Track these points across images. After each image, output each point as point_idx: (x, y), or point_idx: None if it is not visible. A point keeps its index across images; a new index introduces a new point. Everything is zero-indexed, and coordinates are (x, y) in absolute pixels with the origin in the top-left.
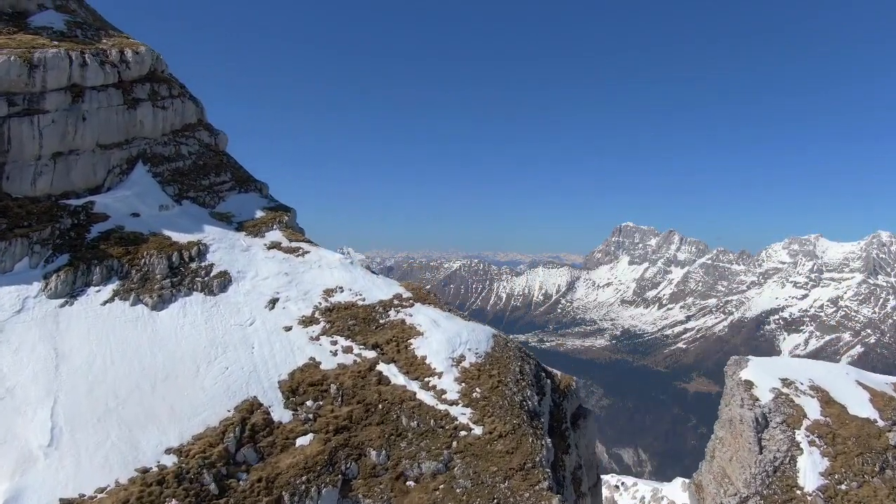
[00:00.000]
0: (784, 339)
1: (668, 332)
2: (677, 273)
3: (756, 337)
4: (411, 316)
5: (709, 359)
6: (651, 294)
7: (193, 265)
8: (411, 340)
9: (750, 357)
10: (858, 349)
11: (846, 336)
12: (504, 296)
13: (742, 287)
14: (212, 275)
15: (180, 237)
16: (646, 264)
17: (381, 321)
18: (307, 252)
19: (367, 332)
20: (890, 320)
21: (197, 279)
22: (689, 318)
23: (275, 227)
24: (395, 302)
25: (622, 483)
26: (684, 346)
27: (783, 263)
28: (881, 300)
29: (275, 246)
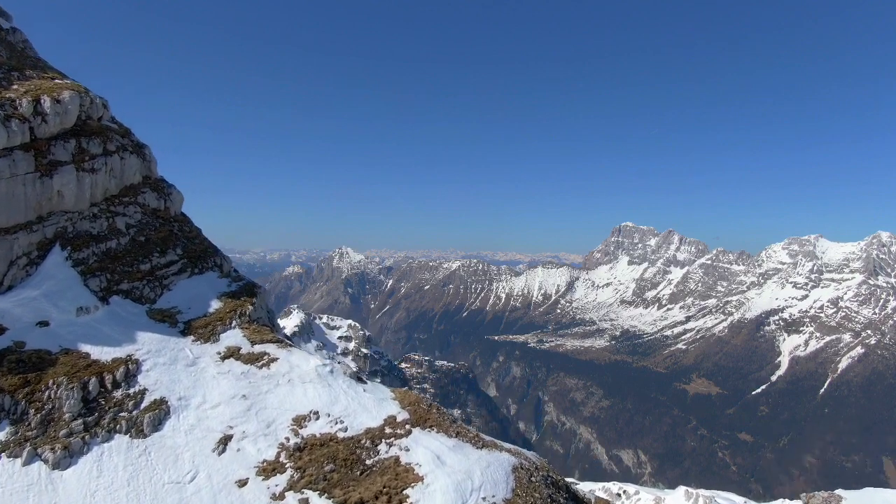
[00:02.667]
0: (784, 339)
1: (668, 332)
2: (677, 273)
3: (756, 338)
4: (408, 451)
5: (709, 360)
6: (650, 294)
7: (118, 393)
8: (408, 491)
9: (841, 494)
10: (859, 350)
11: (846, 337)
12: (503, 296)
13: (742, 287)
14: (143, 406)
15: (103, 353)
16: (645, 264)
17: (367, 461)
18: (274, 360)
19: (349, 480)
20: (890, 321)
21: (122, 415)
22: (688, 319)
23: (234, 323)
24: (388, 430)
25: (624, 491)
26: (684, 347)
27: (783, 264)
28: (882, 301)
29: (232, 354)
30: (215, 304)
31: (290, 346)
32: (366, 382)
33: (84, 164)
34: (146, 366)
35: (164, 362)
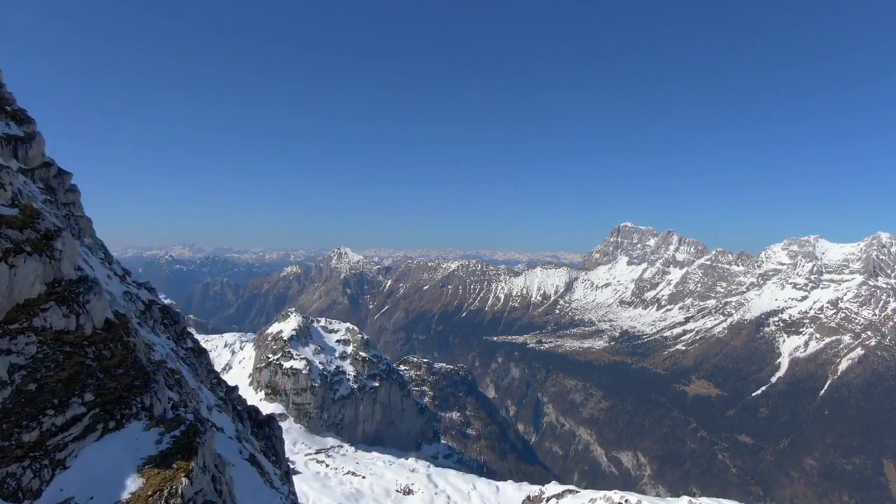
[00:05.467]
0: (784, 341)
1: (668, 333)
2: (676, 274)
3: (756, 339)
4: None
5: (708, 361)
6: (650, 295)
7: None
8: None
9: None
10: (859, 351)
11: (846, 338)
12: (502, 296)
13: (741, 288)
14: None
15: None
16: (644, 265)
17: None
18: None
19: None
20: (890, 322)
21: None
22: (688, 320)
23: None
24: None
25: (626, 500)
26: (683, 348)
27: (782, 264)
28: (881, 302)
29: None
30: (133, 483)
31: None
32: None
33: None
34: None
35: None
